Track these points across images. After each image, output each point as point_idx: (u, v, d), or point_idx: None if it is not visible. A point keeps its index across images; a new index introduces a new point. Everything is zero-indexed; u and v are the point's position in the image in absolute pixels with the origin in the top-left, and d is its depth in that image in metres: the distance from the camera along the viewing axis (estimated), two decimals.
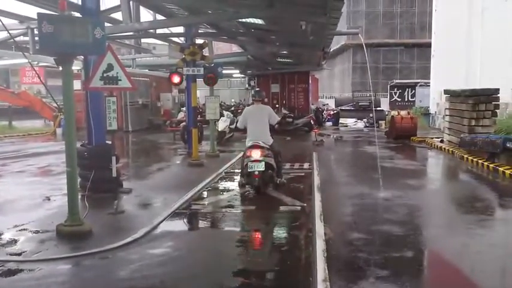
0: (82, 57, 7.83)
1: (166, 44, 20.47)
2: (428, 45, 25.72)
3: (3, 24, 7.87)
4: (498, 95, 12.04)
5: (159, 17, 14.22)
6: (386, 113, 22.68)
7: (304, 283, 4.24)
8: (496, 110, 12.15)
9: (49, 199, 7.39)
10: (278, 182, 7.88)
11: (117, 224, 6.11)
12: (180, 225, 6.26)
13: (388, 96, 29.71)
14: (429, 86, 23.92)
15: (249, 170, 7.41)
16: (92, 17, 7.12)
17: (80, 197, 6.20)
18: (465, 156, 11.52)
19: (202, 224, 6.50)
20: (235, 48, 24.97)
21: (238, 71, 27.11)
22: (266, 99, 9.58)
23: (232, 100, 27.05)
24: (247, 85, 28.83)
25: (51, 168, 10.66)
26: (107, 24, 9.63)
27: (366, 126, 22.51)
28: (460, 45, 18.57)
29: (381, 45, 42.13)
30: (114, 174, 6.86)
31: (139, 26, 11.59)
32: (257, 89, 10.13)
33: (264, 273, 4.58)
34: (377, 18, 43.24)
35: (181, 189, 7.92)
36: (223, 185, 8.75)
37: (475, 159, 10.89)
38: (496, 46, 15.55)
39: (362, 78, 42.49)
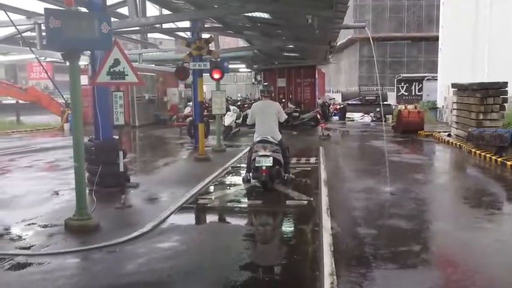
0: (89, 52, 7.84)
1: (173, 38, 20.50)
2: (436, 38, 25.52)
3: (10, 19, 7.90)
4: (506, 89, 11.94)
5: (165, 11, 14.20)
6: (394, 107, 22.57)
7: (311, 277, 4.25)
8: (504, 104, 12.04)
9: (57, 194, 7.45)
10: (286, 177, 7.85)
11: (125, 218, 6.16)
12: (187, 219, 6.29)
13: (395, 91, 29.50)
14: (436, 80, 23.75)
15: (256, 165, 7.38)
16: (98, 12, 7.13)
17: (87, 191, 6.26)
18: (473, 150, 11.45)
19: (209, 218, 6.53)
20: (241, 43, 24.92)
21: (244, 66, 27.03)
22: (272, 94, 9.55)
23: (239, 95, 26.99)
24: (253, 80, 28.76)
25: (59, 163, 10.73)
26: (113, 19, 9.65)
27: (372, 121, 22.40)
28: (468, 39, 18.41)
29: (387, 39, 41.84)
30: (122, 168, 6.90)
31: (146, 20, 11.56)
32: (265, 83, 10.05)
33: (271, 267, 4.60)
34: (384, 11, 42.91)
35: (188, 183, 7.95)
36: (229, 179, 8.77)
37: (482, 153, 10.82)
38: (504, 39, 15.39)
39: (369, 72, 42.28)
